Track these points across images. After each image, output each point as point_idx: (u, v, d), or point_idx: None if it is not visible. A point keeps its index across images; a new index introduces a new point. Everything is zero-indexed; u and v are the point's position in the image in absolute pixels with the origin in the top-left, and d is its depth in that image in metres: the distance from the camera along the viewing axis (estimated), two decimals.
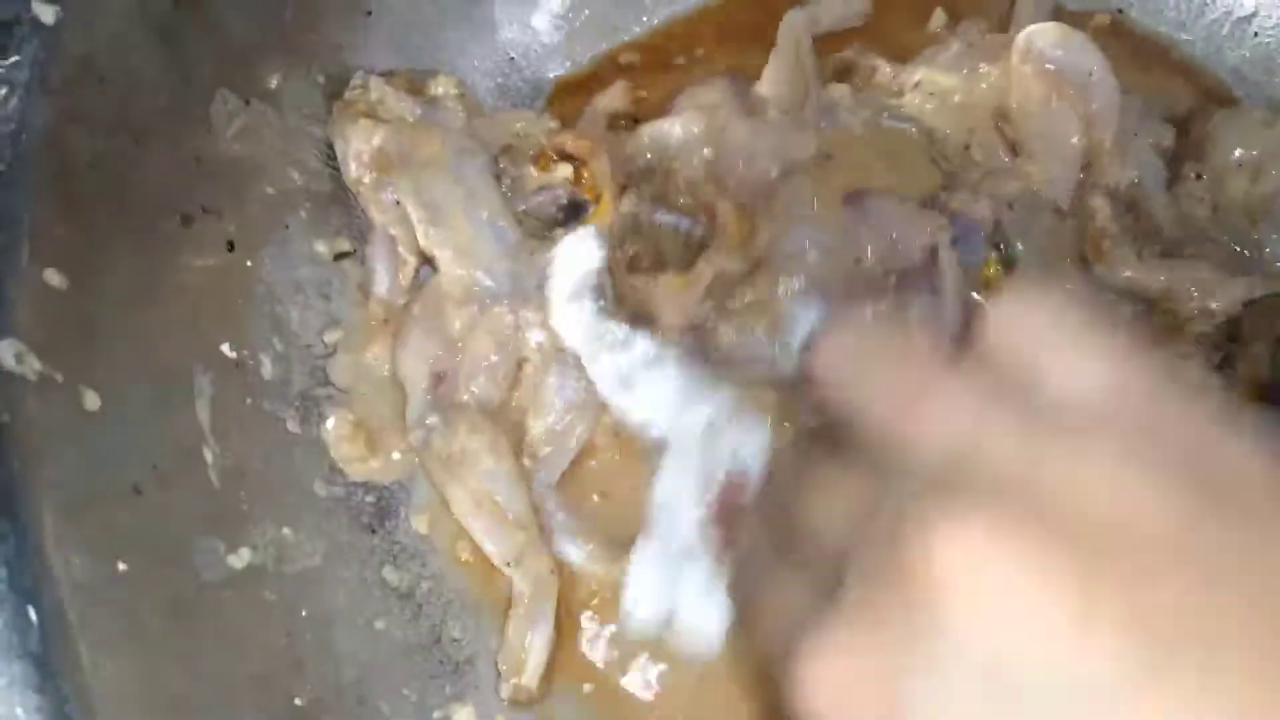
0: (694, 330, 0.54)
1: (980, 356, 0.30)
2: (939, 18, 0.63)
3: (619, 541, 0.51)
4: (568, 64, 0.63)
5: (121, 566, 0.38)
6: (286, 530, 0.47)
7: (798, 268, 0.52)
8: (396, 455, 0.52)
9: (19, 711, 0.33)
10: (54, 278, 0.39)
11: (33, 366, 0.37)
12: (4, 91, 0.39)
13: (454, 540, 0.52)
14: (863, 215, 0.53)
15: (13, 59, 0.40)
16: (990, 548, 0.24)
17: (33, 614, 0.34)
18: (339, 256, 0.54)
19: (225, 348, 0.47)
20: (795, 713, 0.28)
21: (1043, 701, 0.23)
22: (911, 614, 0.25)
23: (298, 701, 0.44)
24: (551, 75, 0.62)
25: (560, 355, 0.53)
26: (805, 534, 0.33)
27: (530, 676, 0.49)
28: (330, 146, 0.54)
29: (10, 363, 0.36)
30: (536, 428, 0.54)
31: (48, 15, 0.41)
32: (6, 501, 0.35)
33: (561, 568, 0.51)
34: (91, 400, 0.39)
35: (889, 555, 0.26)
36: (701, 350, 0.53)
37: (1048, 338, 0.29)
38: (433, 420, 0.52)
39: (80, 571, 0.36)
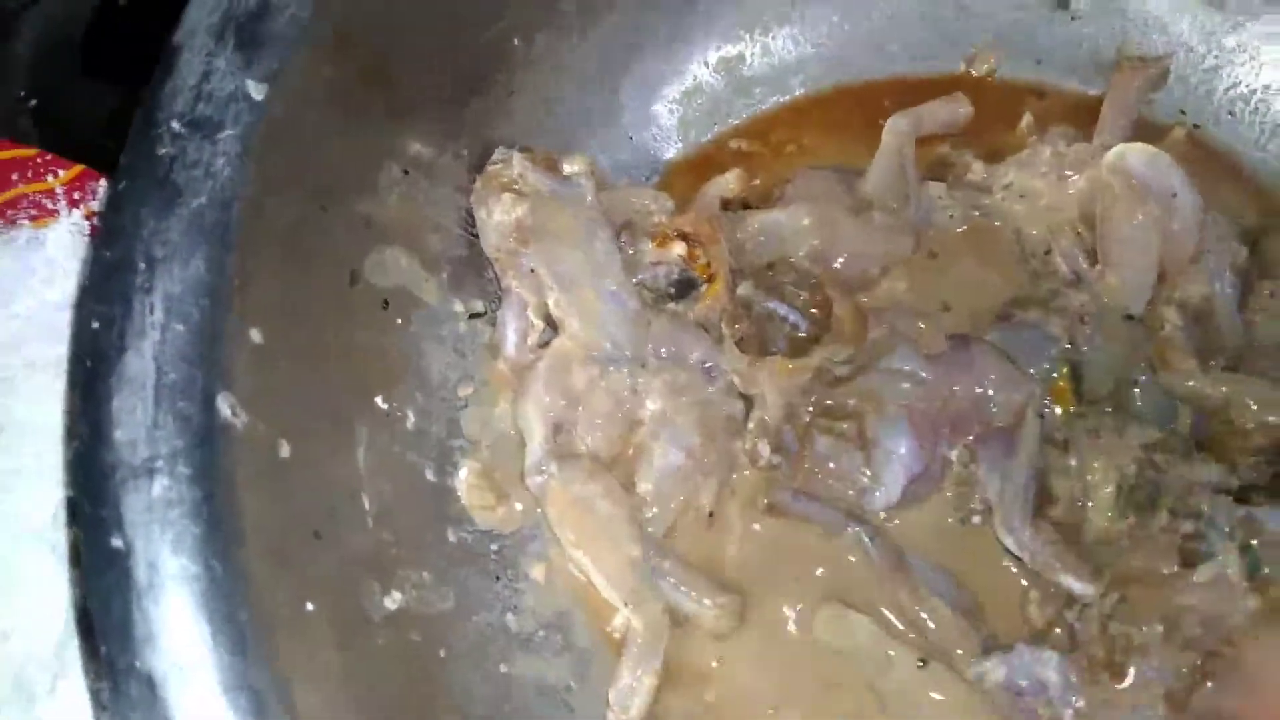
0: (790, 421, 0.57)
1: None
2: (1028, 121, 0.68)
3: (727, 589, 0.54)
4: (680, 145, 0.67)
5: (309, 606, 0.41)
6: (426, 574, 0.50)
7: (895, 390, 0.56)
8: (519, 506, 0.56)
9: None
10: (256, 335, 0.43)
11: (242, 418, 0.40)
12: (221, 161, 0.43)
13: (571, 588, 0.55)
14: (966, 360, 0.57)
15: (228, 132, 0.43)
16: None
17: (249, 648, 0.37)
18: (473, 316, 0.57)
19: (379, 400, 0.51)
20: None
21: None
22: None
23: None
24: (665, 156, 0.66)
25: (671, 423, 0.57)
26: None
27: (637, 712, 0.52)
28: (469, 214, 0.57)
29: (226, 413, 0.40)
30: (642, 487, 0.57)
31: (259, 92, 0.44)
32: (226, 543, 0.38)
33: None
34: (284, 449, 0.42)
35: None
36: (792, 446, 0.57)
37: None
38: (551, 467, 0.55)
39: (282, 609, 0.39)
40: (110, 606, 0.36)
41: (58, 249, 0.62)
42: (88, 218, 0.63)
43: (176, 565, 0.37)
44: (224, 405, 0.40)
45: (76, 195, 0.64)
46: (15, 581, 0.54)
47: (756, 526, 0.58)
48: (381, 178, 0.52)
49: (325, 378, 0.47)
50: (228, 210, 0.42)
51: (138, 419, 0.38)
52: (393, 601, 0.47)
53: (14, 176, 0.64)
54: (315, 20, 0.46)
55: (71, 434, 0.39)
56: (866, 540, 0.55)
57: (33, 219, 0.63)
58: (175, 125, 0.43)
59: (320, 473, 0.45)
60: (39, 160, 0.65)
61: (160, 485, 0.38)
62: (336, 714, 0.41)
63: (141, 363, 0.39)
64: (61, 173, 0.65)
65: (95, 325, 0.40)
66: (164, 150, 0.43)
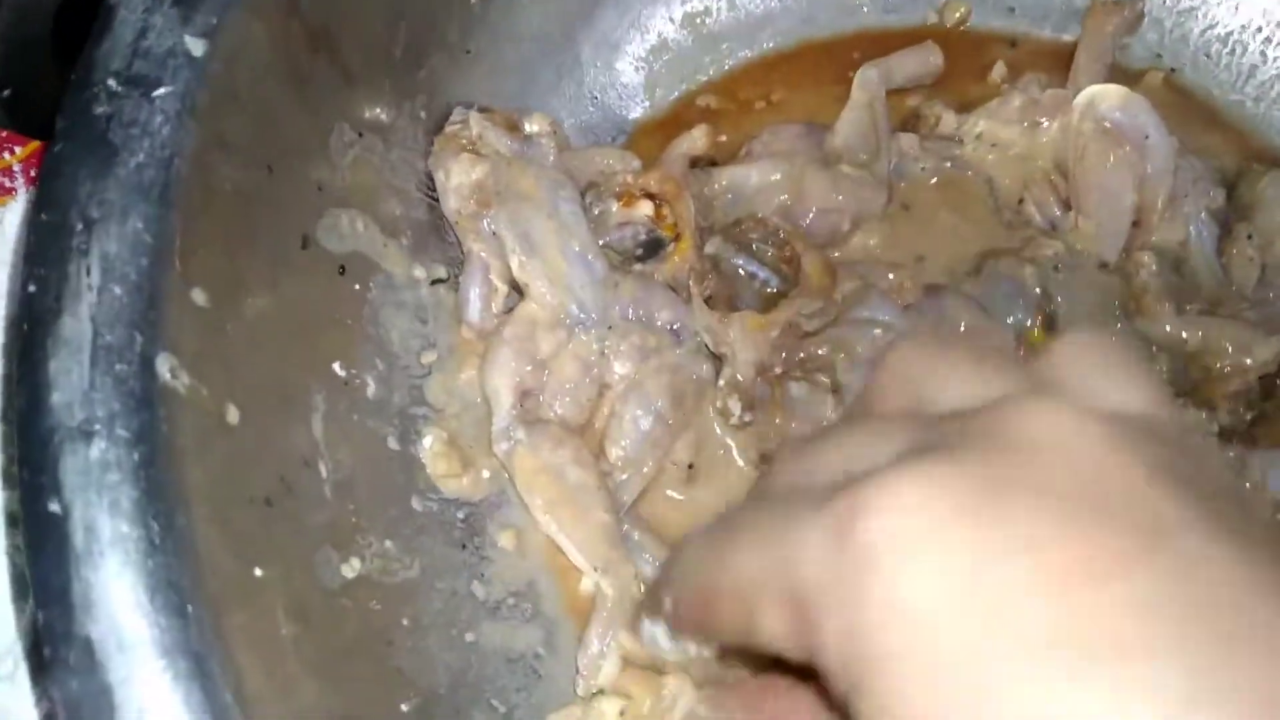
0: (763, 374, 0.56)
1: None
2: (1000, 70, 0.66)
3: None
4: (647, 105, 0.66)
5: (258, 572, 0.40)
6: (389, 543, 0.49)
7: (865, 341, 0.55)
8: (486, 473, 0.55)
9: (183, 705, 0.35)
10: (199, 296, 0.41)
11: (183, 380, 0.39)
12: (159, 119, 0.42)
13: (540, 555, 0.54)
14: (938, 311, 0.56)
15: (166, 88, 0.42)
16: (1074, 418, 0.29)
17: (191, 613, 0.36)
18: (435, 282, 0.56)
19: (336, 366, 0.50)
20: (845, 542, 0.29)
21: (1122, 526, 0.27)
22: (1005, 459, 0.29)
23: (404, 708, 0.46)
24: (632, 116, 0.65)
25: (641, 387, 0.56)
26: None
27: (606, 677, 0.51)
28: (430, 178, 0.56)
29: (165, 375, 0.39)
30: (613, 453, 0.56)
31: (198, 48, 0.43)
32: (167, 505, 0.37)
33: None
34: (233, 414, 0.41)
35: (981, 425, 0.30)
36: (764, 396, 0.56)
37: (1095, 369, 0.32)
38: (518, 434, 0.54)
39: (226, 576, 0.38)
40: (47, 572, 0.35)
41: (14, 228, 0.61)
42: None
43: (114, 529, 0.36)
44: (164, 368, 0.39)
45: (33, 172, 0.63)
46: None
47: (741, 486, 0.57)
48: (333, 140, 0.51)
49: (278, 343, 0.46)
50: (167, 169, 0.41)
51: (74, 381, 0.37)
52: (351, 570, 0.46)
53: None
54: None
55: (9, 399, 0.38)
56: None
57: None
58: (111, 83, 0.42)
59: (273, 439, 0.44)
60: None
61: (98, 448, 0.37)
62: (287, 680, 0.40)
63: (78, 325, 0.38)
64: (19, 149, 0.64)
65: (31, 289, 0.39)
66: (100, 109, 0.41)
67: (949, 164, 0.63)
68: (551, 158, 0.58)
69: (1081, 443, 0.29)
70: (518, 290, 0.56)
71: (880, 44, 0.66)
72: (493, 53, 0.60)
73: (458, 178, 0.55)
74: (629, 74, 0.65)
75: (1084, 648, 0.25)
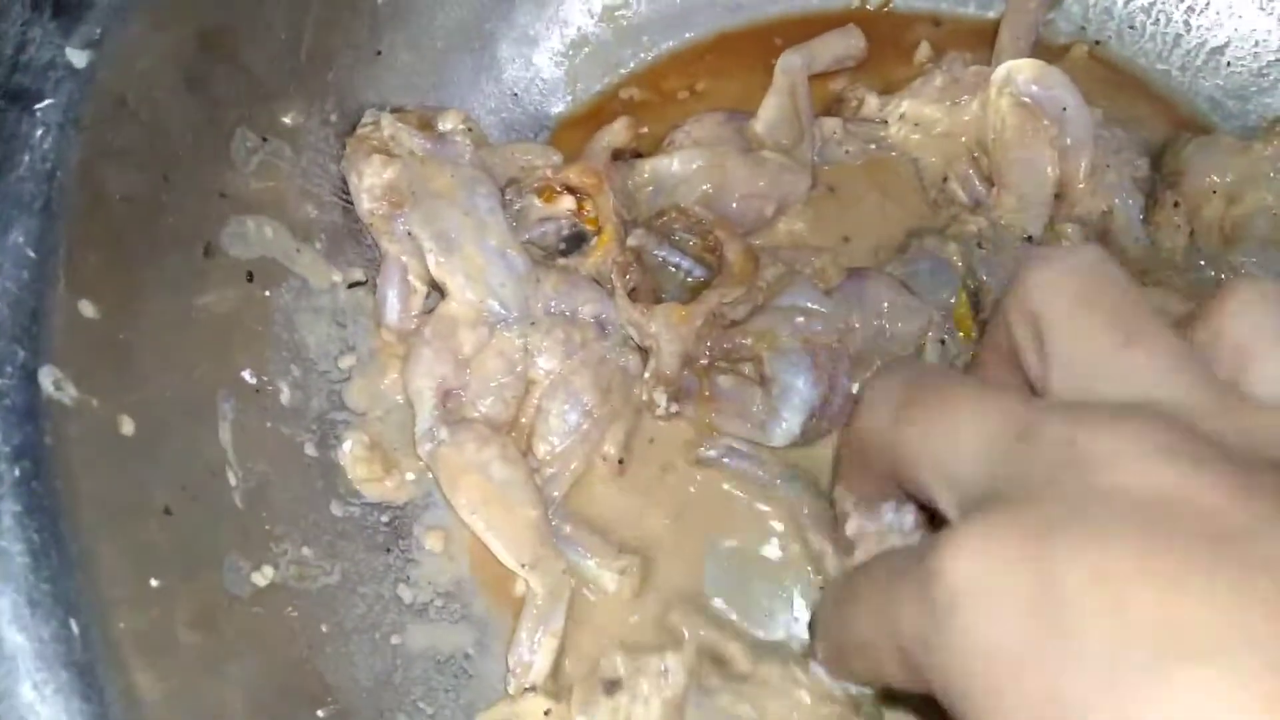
0: (689, 367, 0.56)
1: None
2: (924, 50, 0.66)
3: (626, 548, 0.54)
4: (569, 99, 0.65)
5: (154, 582, 0.40)
6: (306, 550, 0.49)
7: (789, 328, 0.54)
8: (410, 476, 0.54)
9: (63, 717, 0.34)
10: (88, 308, 0.41)
11: (70, 393, 0.39)
12: (40, 132, 0.41)
13: (468, 556, 0.54)
14: (860, 293, 0.55)
15: (48, 101, 0.42)
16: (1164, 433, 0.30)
17: (74, 625, 0.36)
18: (352, 285, 0.56)
19: (246, 374, 0.49)
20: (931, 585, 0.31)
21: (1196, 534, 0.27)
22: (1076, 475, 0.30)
23: (320, 714, 0.45)
24: (554, 111, 0.65)
25: (567, 382, 0.55)
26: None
27: (537, 674, 0.51)
28: (343, 181, 0.56)
29: (49, 389, 0.38)
30: (541, 449, 0.56)
31: (80, 60, 0.43)
32: (50, 518, 0.36)
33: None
34: (127, 425, 0.41)
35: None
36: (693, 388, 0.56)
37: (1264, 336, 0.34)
38: (442, 434, 0.53)
39: (117, 586, 0.38)
40: None
41: None
42: None
43: None
44: (48, 381, 0.38)
45: None
46: None
47: (671, 479, 0.57)
48: (235, 146, 0.50)
49: (179, 353, 0.46)
50: (49, 181, 0.41)
51: None
52: (263, 577, 0.46)
53: None
54: None
55: None
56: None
57: None
58: None
59: (173, 449, 0.44)
60: None
61: None
62: (187, 690, 0.39)
63: None
64: None
65: None
66: None
67: (873, 146, 0.63)
68: (468, 155, 0.57)
69: (1139, 462, 0.29)
70: (438, 290, 0.56)
71: (803, 29, 0.65)
72: (405, 52, 0.59)
73: (370, 179, 0.55)
74: (549, 69, 0.65)
75: (1159, 653, 0.25)
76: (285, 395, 0.51)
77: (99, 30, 0.44)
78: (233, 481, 0.47)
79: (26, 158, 0.41)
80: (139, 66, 0.45)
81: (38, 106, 0.42)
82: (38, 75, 0.42)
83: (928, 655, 0.31)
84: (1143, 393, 0.32)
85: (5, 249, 0.39)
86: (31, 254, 0.40)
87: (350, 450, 0.53)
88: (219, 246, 0.49)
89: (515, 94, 0.64)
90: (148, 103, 0.45)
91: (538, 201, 0.59)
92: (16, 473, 0.37)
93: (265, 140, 0.52)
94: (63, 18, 0.43)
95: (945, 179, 0.61)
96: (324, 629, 0.48)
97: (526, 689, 0.51)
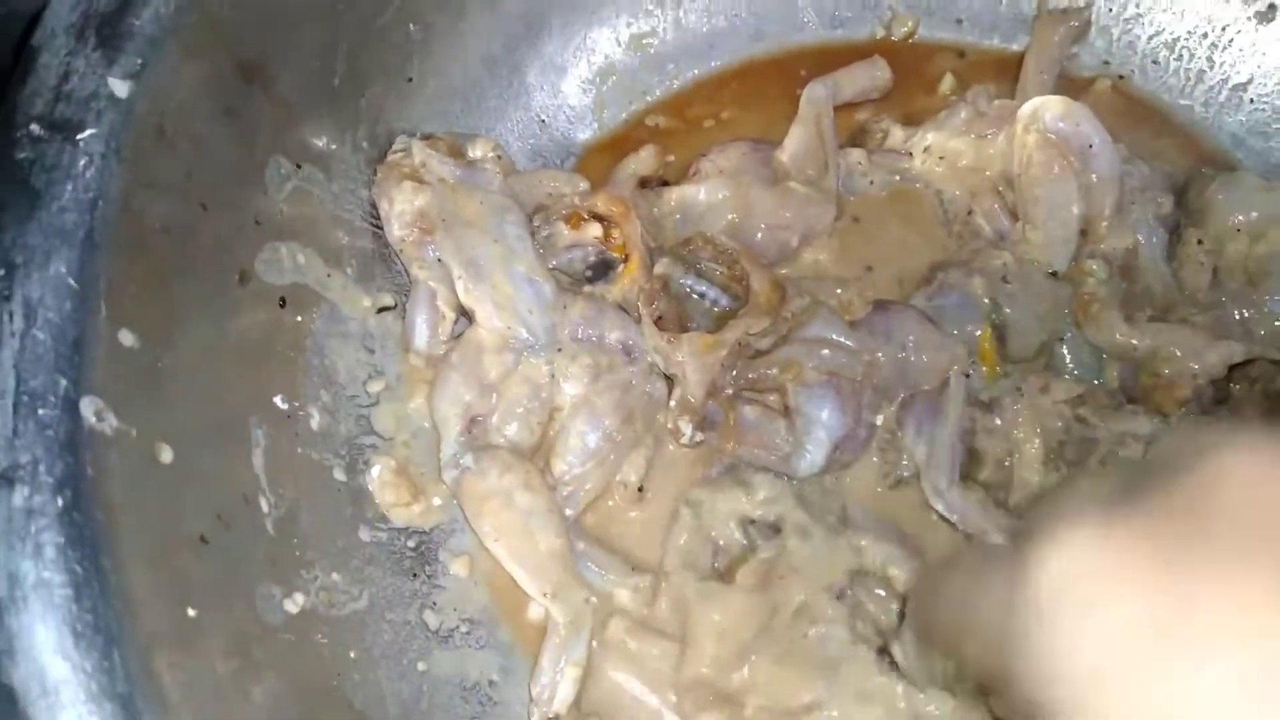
0: (713, 397, 0.56)
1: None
2: (949, 83, 0.66)
3: (636, 566, 0.54)
4: (596, 127, 0.66)
5: (191, 612, 0.40)
6: (336, 576, 0.49)
7: (814, 360, 0.55)
8: (437, 501, 0.55)
9: None
10: (127, 337, 0.41)
11: (110, 423, 0.39)
12: (83, 162, 0.42)
13: (493, 581, 0.54)
14: (885, 326, 0.56)
15: (90, 131, 0.42)
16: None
17: (117, 656, 0.36)
18: (381, 310, 0.56)
19: (278, 400, 0.50)
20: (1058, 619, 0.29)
21: None
22: (1204, 505, 0.28)
23: None
24: (581, 138, 0.65)
25: (590, 403, 0.56)
26: None
27: (560, 704, 0.51)
28: (374, 207, 0.56)
29: (91, 419, 0.39)
30: (558, 467, 0.56)
31: (122, 90, 0.43)
32: (92, 550, 0.37)
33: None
34: (165, 454, 0.41)
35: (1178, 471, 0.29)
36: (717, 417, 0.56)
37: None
38: (466, 460, 0.54)
39: (156, 616, 0.38)
40: None
41: None
42: None
43: (37, 575, 0.36)
44: (89, 411, 0.39)
45: None
46: None
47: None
48: (270, 173, 0.51)
49: (215, 380, 0.46)
50: (91, 211, 0.41)
51: None
52: (295, 604, 0.46)
53: None
54: (181, 15, 0.45)
55: None
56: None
57: None
58: (34, 128, 0.42)
59: (209, 477, 0.44)
60: None
61: (20, 495, 0.37)
62: (224, 718, 0.40)
63: (1, 372, 0.38)
64: None
65: None
66: (23, 155, 0.41)
67: (897, 177, 0.63)
68: (497, 183, 0.58)
69: (1262, 482, 0.28)
70: (466, 316, 0.56)
71: (828, 59, 0.66)
72: (436, 79, 0.60)
73: (401, 205, 0.55)
74: (576, 96, 0.65)
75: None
76: (315, 420, 0.52)
77: (140, 61, 0.44)
78: (265, 508, 0.47)
79: (69, 188, 0.41)
80: (178, 96, 0.45)
81: (80, 136, 0.42)
82: (80, 106, 0.42)
83: (1024, 641, 0.30)
84: None
85: (47, 280, 0.40)
86: (74, 284, 0.40)
87: (378, 475, 0.54)
88: (253, 273, 0.49)
89: (543, 121, 0.65)
90: (186, 132, 0.46)
91: (565, 229, 0.59)
92: (59, 503, 0.37)
93: (299, 167, 0.52)
94: (105, 49, 0.44)
95: (970, 212, 0.61)
96: (352, 655, 0.48)
97: (551, 718, 0.51)
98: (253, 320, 0.49)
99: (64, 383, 0.39)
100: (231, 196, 0.48)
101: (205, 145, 0.47)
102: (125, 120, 0.43)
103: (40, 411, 0.38)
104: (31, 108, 0.42)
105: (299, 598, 0.47)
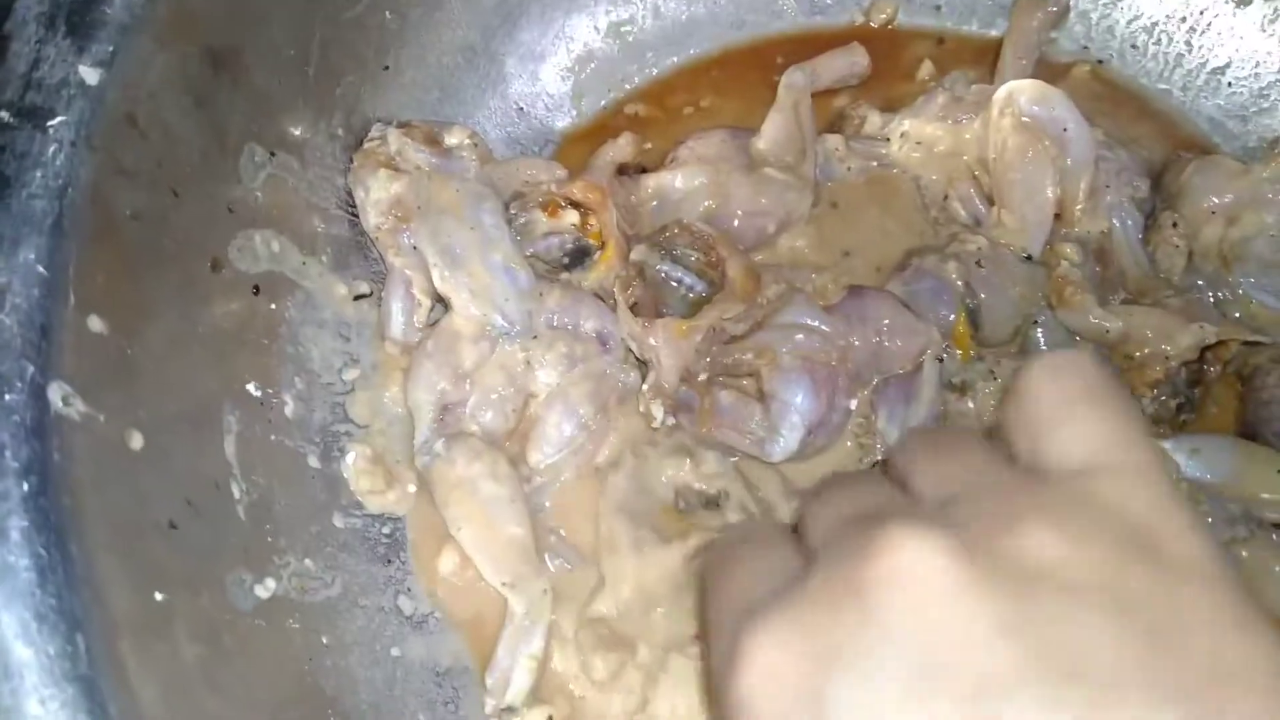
0: (687, 382, 0.56)
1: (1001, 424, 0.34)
2: (927, 68, 0.66)
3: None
4: (574, 115, 0.66)
5: (159, 596, 0.40)
6: (309, 562, 0.49)
7: (789, 345, 0.55)
8: (412, 488, 0.55)
9: None
10: (96, 323, 0.42)
11: (78, 408, 0.40)
12: (53, 149, 0.42)
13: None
14: (860, 311, 0.56)
15: (60, 118, 0.43)
16: (942, 560, 0.28)
17: (81, 641, 0.36)
18: (357, 298, 0.56)
19: (251, 387, 0.50)
20: (726, 685, 0.31)
21: (956, 693, 0.27)
22: (861, 602, 0.29)
23: None
24: (559, 126, 0.65)
25: (565, 394, 0.56)
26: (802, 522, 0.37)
27: (515, 694, 0.51)
28: (350, 194, 0.57)
29: (58, 404, 0.39)
30: (533, 457, 0.56)
31: (93, 78, 0.43)
32: (57, 534, 0.37)
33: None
34: (136, 440, 0.42)
35: (858, 551, 0.30)
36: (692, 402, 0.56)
37: (1057, 411, 0.33)
38: (438, 448, 0.54)
39: (122, 601, 0.38)
40: None
41: None
42: None
43: (1, 560, 0.36)
44: (56, 397, 0.39)
45: None
46: None
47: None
48: (244, 161, 0.51)
49: (185, 366, 0.46)
50: (60, 199, 0.41)
51: None
52: (265, 590, 0.46)
53: None
54: (153, 3, 0.45)
55: None
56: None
57: None
58: (4, 115, 0.42)
59: (179, 463, 0.44)
60: None
61: None
62: (190, 703, 0.40)
63: None
64: None
65: None
66: None
67: (875, 163, 0.63)
68: (473, 170, 0.58)
69: (930, 591, 0.28)
70: (442, 303, 0.57)
71: (807, 45, 0.66)
72: (412, 67, 0.60)
73: (376, 193, 0.56)
74: (555, 84, 0.65)
75: None
76: (289, 408, 0.52)
77: (111, 48, 0.44)
78: (236, 494, 0.47)
79: (39, 175, 0.41)
80: (149, 84, 0.46)
81: (50, 124, 0.42)
82: (50, 93, 0.43)
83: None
84: None
85: (15, 267, 0.40)
86: (42, 271, 0.40)
87: (353, 462, 0.54)
88: (226, 261, 0.50)
89: (521, 109, 0.65)
90: (157, 120, 0.46)
91: (542, 216, 0.59)
92: (24, 488, 0.37)
93: (273, 154, 0.52)
94: (75, 36, 0.44)
95: (946, 197, 0.61)
96: (325, 641, 0.49)
97: (504, 710, 0.51)
98: (225, 308, 0.49)
99: (31, 369, 0.39)
100: (204, 184, 0.48)
101: (177, 133, 0.47)
102: (95, 108, 0.43)
103: (6, 396, 0.38)
104: (1, 95, 0.42)
105: (270, 584, 0.47)
